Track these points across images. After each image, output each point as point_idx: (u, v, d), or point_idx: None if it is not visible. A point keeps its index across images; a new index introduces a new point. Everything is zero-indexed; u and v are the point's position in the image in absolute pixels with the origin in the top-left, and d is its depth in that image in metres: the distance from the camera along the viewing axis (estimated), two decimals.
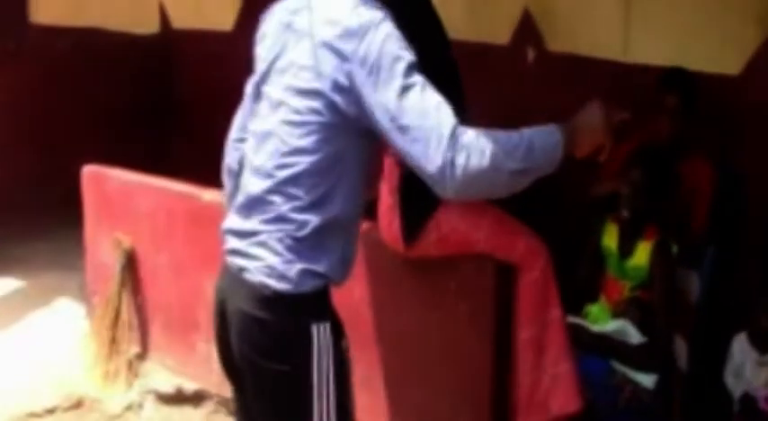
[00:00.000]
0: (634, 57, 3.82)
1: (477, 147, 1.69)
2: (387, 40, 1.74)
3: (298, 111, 1.78)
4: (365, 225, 2.83)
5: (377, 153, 1.95)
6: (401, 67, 1.72)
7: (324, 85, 1.75)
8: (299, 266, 1.77)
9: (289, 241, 1.77)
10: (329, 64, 1.74)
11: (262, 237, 1.79)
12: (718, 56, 3.58)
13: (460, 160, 1.68)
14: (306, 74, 1.77)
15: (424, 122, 1.69)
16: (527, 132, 1.76)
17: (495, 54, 4.27)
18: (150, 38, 5.96)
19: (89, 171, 3.81)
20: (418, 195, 2.54)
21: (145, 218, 3.59)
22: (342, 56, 1.73)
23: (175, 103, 5.93)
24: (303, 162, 1.77)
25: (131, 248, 3.63)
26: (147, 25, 5.96)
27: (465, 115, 2.57)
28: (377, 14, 1.77)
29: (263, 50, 1.94)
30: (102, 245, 3.76)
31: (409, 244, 2.60)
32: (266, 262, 1.78)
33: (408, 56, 1.74)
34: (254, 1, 2.03)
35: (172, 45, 5.94)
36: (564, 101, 4.01)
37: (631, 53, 3.85)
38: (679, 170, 3.22)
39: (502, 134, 1.73)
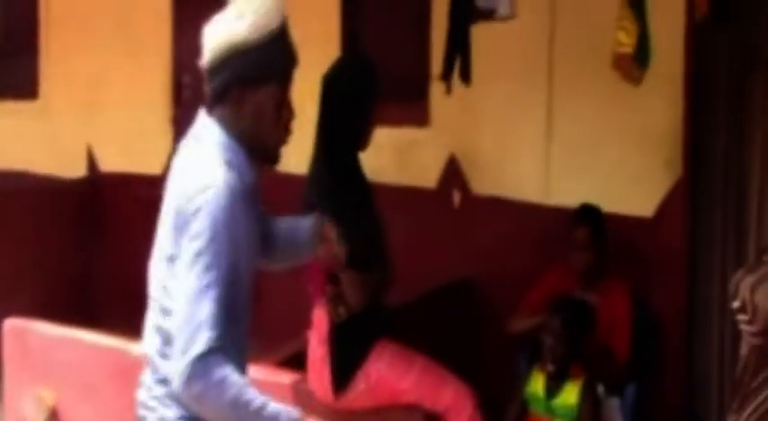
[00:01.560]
0: (554, 199, 4.02)
1: (220, 389, 1.68)
2: (208, 222, 1.70)
3: (165, 274, 1.80)
4: (295, 376, 2.84)
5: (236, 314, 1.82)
6: (208, 253, 1.69)
7: (175, 250, 1.76)
8: (188, 417, 1.79)
9: (176, 396, 1.78)
10: (175, 226, 1.75)
11: (155, 392, 1.84)
12: (632, 198, 3.80)
13: (198, 385, 1.67)
14: (167, 237, 1.79)
15: (192, 320, 1.68)
16: (272, 407, 1.74)
17: (423, 197, 4.43)
18: (77, 181, 5.94)
19: (10, 324, 3.68)
20: (348, 346, 2.59)
21: (70, 373, 3.46)
22: (178, 219, 1.74)
23: (103, 250, 5.83)
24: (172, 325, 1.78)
25: (54, 405, 3.47)
26: (73, 168, 5.95)
27: (387, 260, 2.66)
28: (215, 182, 1.72)
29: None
30: (24, 401, 3.58)
31: (338, 395, 2.61)
32: (159, 413, 1.82)
33: (218, 245, 1.69)
34: None
35: (99, 189, 5.91)
36: (488, 239, 4.21)
37: (552, 196, 4.05)
38: (596, 300, 3.36)
39: (250, 394, 1.71)
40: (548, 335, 3.08)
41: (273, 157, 1.88)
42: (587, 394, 3.05)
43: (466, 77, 3.27)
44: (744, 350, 1.78)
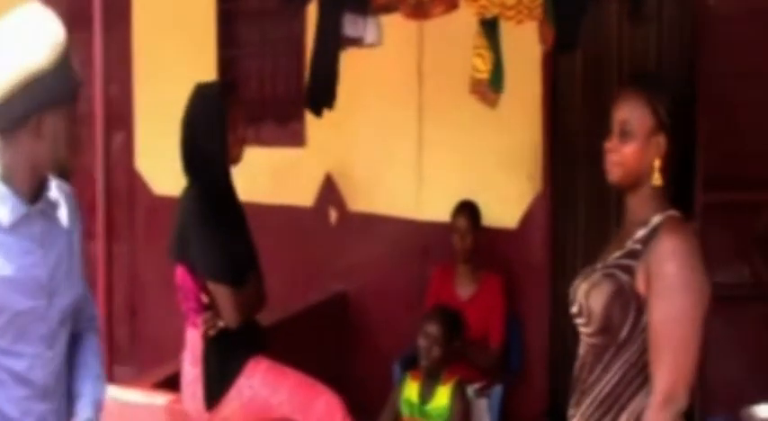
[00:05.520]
0: (426, 215, 4.22)
1: None
2: None
3: None
4: (169, 397, 2.88)
5: None
6: None
7: None
8: None
9: None
10: None
11: None
12: (498, 211, 4.02)
13: None
14: None
15: None
16: None
17: (301, 215, 4.54)
18: None
19: None
20: (221, 363, 2.66)
21: None
22: None
23: None
24: None
25: None
26: None
27: (259, 276, 2.75)
28: None
29: None
30: None
31: (212, 412, 2.68)
32: None
33: None
34: None
35: None
36: (363, 254, 4.36)
37: (424, 211, 4.24)
38: (474, 290, 3.73)
39: None
40: (423, 337, 3.27)
41: (68, 173, 1.95)
42: (458, 396, 3.25)
43: (330, 104, 3.38)
44: (581, 350, 1.97)
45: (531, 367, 3.93)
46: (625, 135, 1.89)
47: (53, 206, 1.94)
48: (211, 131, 2.65)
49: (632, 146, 1.89)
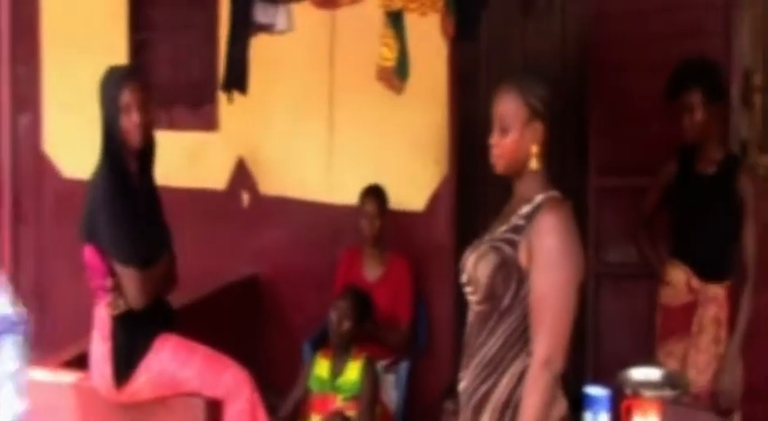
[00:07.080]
0: (337, 198, 4.33)
1: None
2: None
3: None
4: (77, 375, 2.92)
5: None
6: None
7: None
8: None
9: None
10: None
11: None
12: (406, 195, 4.17)
13: None
14: None
15: None
16: None
17: (214, 198, 4.59)
18: None
19: None
20: (129, 340, 2.72)
21: None
22: None
23: None
24: None
25: None
26: None
27: (171, 257, 2.81)
28: None
29: None
30: None
31: (121, 388, 2.73)
32: None
33: None
34: None
35: None
36: (275, 237, 4.45)
37: (334, 194, 4.35)
38: (382, 272, 3.85)
39: None
40: (333, 310, 3.42)
41: None
42: (368, 371, 3.39)
43: (242, 88, 3.45)
44: (470, 317, 2.13)
45: (437, 344, 4.09)
46: (504, 129, 2.06)
47: None
48: (107, 114, 2.71)
49: (510, 137, 2.06)
